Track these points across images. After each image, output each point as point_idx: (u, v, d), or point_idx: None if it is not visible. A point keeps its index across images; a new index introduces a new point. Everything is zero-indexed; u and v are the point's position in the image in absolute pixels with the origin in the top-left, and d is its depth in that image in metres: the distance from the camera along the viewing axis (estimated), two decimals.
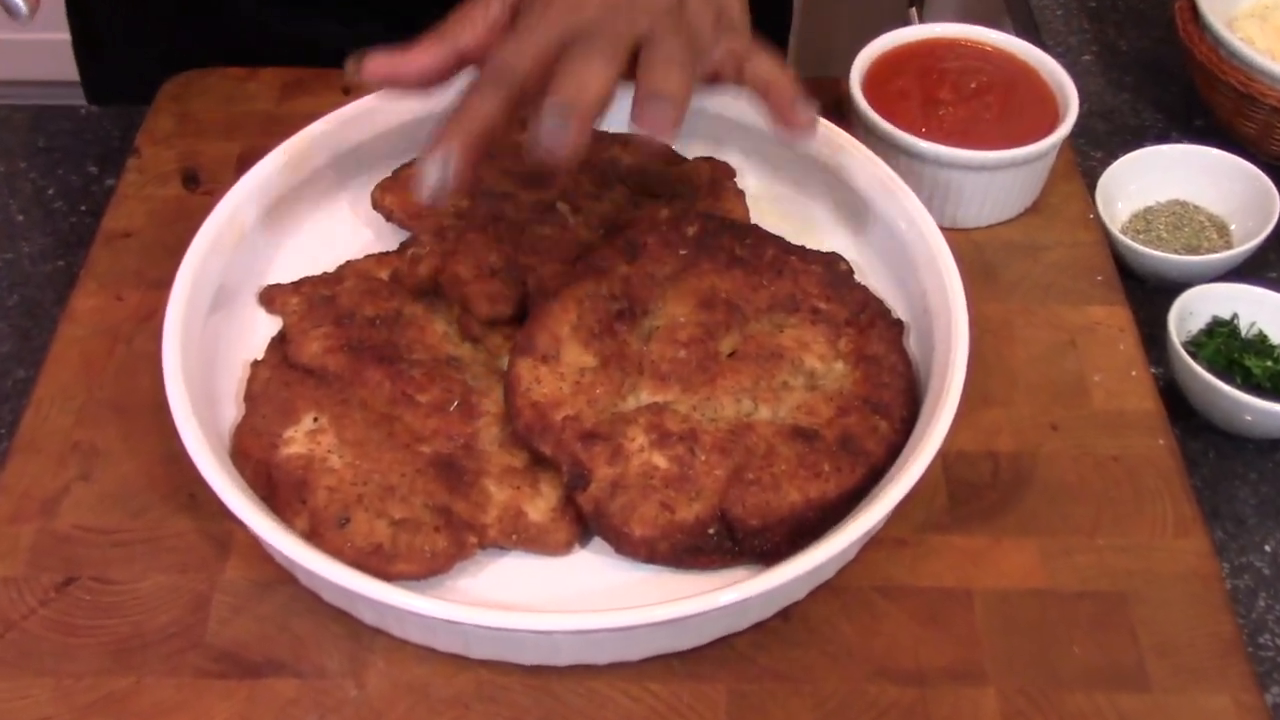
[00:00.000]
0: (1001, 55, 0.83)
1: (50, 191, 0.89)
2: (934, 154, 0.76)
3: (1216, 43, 0.90)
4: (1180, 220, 0.85)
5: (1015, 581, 0.62)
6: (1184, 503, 0.66)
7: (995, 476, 0.67)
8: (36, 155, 0.91)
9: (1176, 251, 0.83)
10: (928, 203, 0.72)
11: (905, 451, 0.62)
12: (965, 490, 0.66)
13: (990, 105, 0.80)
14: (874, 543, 0.63)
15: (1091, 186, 0.84)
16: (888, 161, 0.74)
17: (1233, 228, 0.85)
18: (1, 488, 0.65)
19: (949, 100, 0.80)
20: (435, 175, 0.59)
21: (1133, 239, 0.83)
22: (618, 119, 0.80)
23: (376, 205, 0.75)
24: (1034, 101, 0.80)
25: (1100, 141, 0.94)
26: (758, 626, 0.60)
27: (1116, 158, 0.87)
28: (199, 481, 0.61)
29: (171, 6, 0.97)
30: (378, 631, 0.60)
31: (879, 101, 0.79)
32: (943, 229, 0.70)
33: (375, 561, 0.58)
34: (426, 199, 0.59)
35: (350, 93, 0.85)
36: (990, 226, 0.80)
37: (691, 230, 0.70)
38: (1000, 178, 0.77)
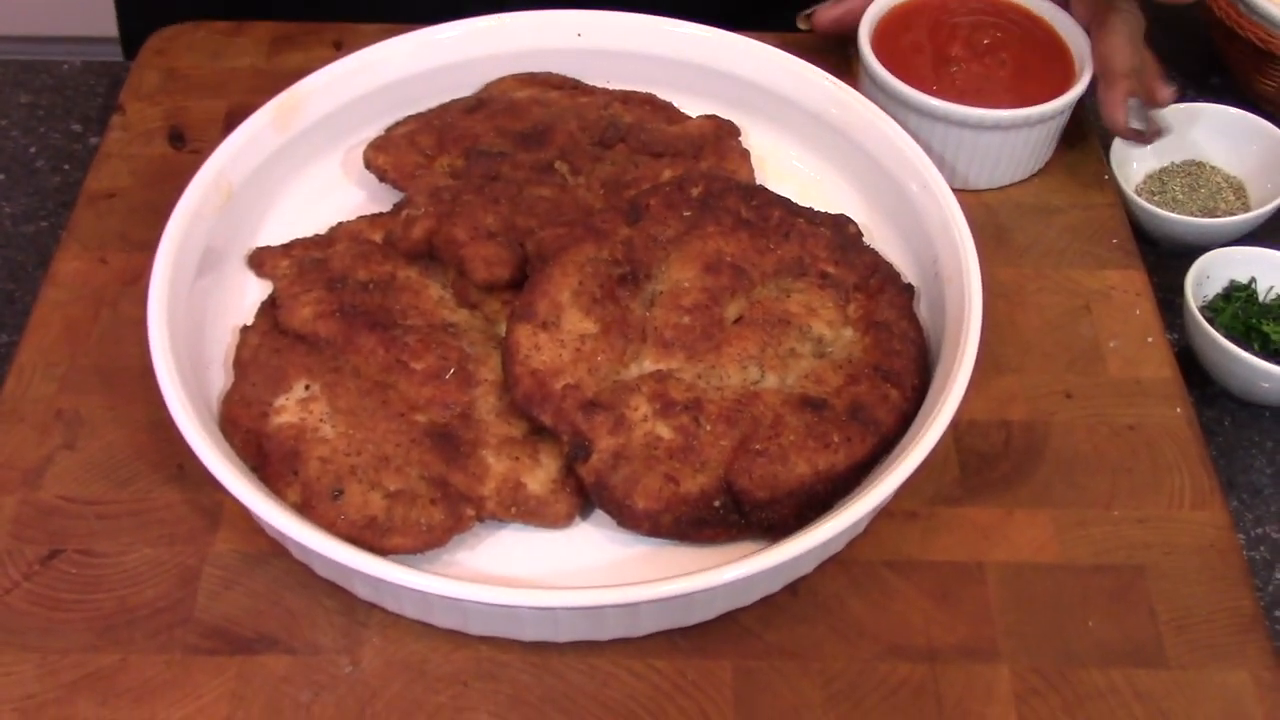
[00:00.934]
0: (1016, 10, 0.80)
1: (32, 150, 0.86)
2: (945, 112, 0.74)
3: None
4: (1196, 181, 0.83)
5: (1029, 555, 0.61)
6: (1202, 474, 0.64)
7: (1008, 446, 0.65)
8: (18, 112, 0.88)
9: (1192, 214, 0.81)
10: (938, 163, 0.70)
11: (917, 421, 0.60)
12: (977, 461, 0.64)
13: (1004, 63, 0.77)
14: (884, 515, 0.62)
15: (1106, 147, 0.82)
16: (896, 120, 0.72)
17: (1250, 189, 0.83)
18: None
19: (961, 57, 0.77)
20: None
21: (1147, 200, 0.81)
22: (620, 76, 0.78)
23: (369, 165, 0.73)
24: (1048, 59, 0.78)
25: None
26: (765, 602, 0.59)
27: None
28: (187, 451, 0.60)
29: None
30: (373, 606, 0.58)
31: (888, 58, 0.76)
32: (953, 190, 0.68)
33: (369, 535, 0.57)
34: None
35: (342, 48, 0.83)
36: (1002, 188, 0.77)
37: (695, 191, 0.68)
38: (1013, 137, 0.75)
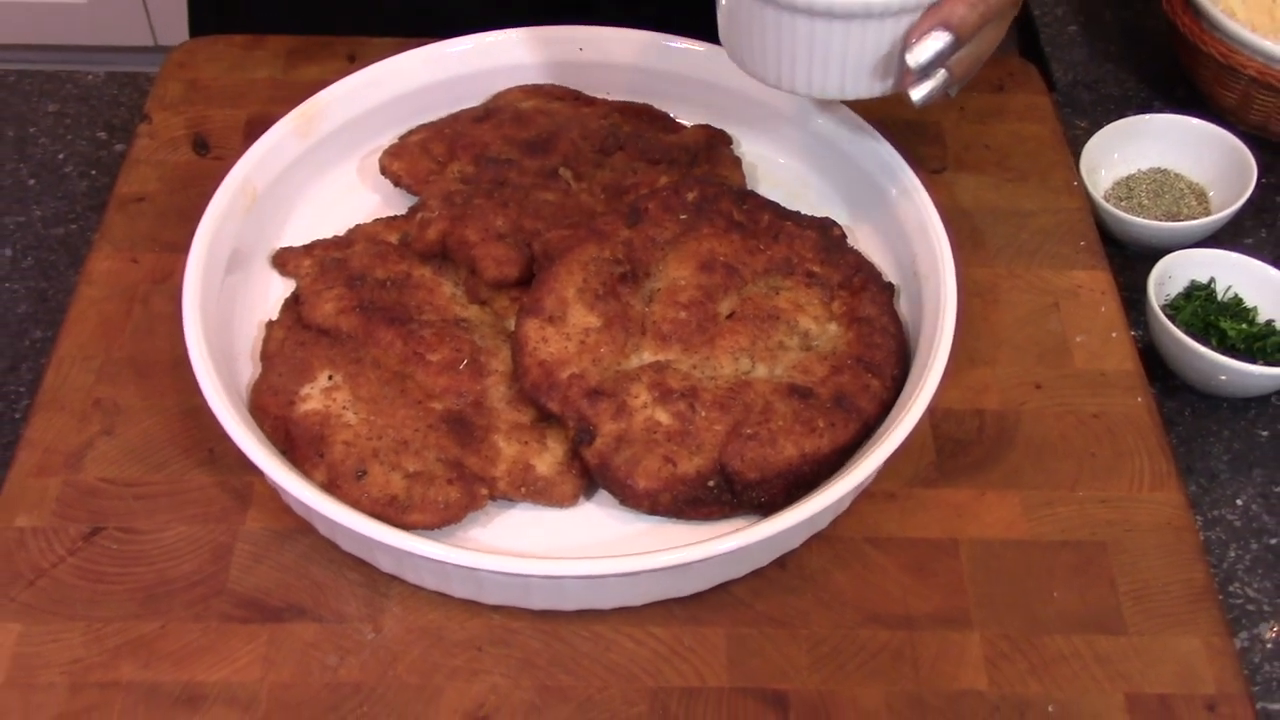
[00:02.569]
0: None
1: (60, 156, 0.91)
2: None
3: (1199, 14, 0.92)
4: (1161, 188, 0.88)
5: (999, 532, 0.66)
6: (1160, 458, 0.69)
7: (981, 433, 0.70)
8: (46, 120, 0.93)
9: (1157, 218, 0.86)
10: (763, 56, 0.66)
11: (896, 408, 0.65)
12: (952, 446, 0.69)
13: None
14: (865, 496, 0.66)
15: (1076, 154, 0.87)
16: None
17: (1211, 195, 0.88)
18: (27, 442, 0.68)
19: None
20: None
21: (1115, 206, 0.86)
22: (619, 88, 0.83)
23: (385, 171, 0.77)
24: None
25: (1085, 110, 0.96)
26: (755, 574, 0.63)
27: (1101, 127, 0.89)
28: (218, 437, 0.64)
29: None
30: (393, 578, 0.63)
31: None
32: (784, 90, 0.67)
33: (391, 512, 0.61)
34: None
35: (355, 60, 0.87)
36: (1012, 185, 0.78)
37: (691, 196, 0.73)
38: (836, 30, 0.64)
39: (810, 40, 0.64)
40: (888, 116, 0.81)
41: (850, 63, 0.65)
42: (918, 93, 0.64)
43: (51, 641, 0.61)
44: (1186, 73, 0.96)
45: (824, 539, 0.65)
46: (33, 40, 2.25)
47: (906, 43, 0.63)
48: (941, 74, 0.64)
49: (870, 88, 0.66)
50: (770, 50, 0.66)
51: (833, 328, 0.69)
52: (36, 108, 0.94)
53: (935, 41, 0.62)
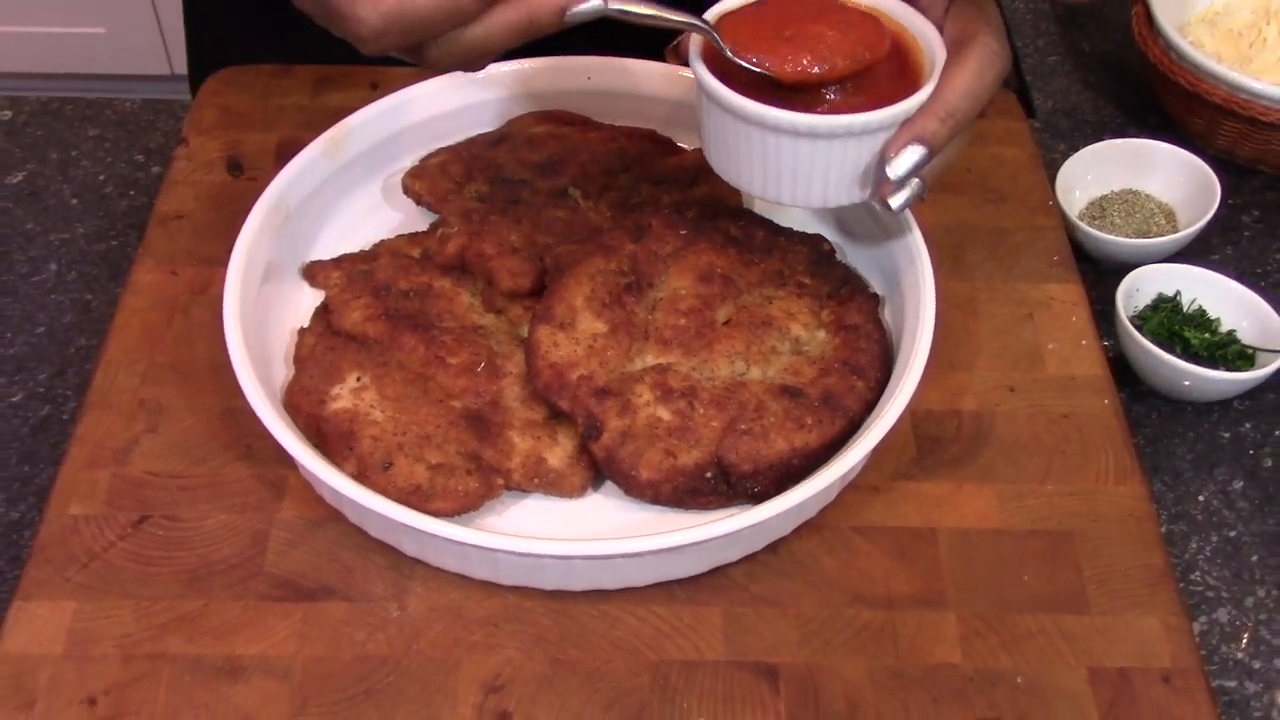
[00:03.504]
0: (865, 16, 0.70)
1: (101, 177, 0.97)
2: (740, 109, 0.67)
3: (1168, 46, 0.98)
4: (1132, 207, 0.94)
5: (974, 522, 0.71)
6: (1124, 454, 0.74)
7: (959, 432, 0.75)
8: (88, 144, 0.99)
9: (1128, 236, 0.92)
10: (748, 166, 0.69)
11: (878, 407, 0.70)
12: (932, 444, 0.74)
13: (848, 80, 0.68)
14: (851, 488, 0.72)
15: (1053, 176, 0.92)
16: (710, 114, 0.69)
17: (1179, 214, 0.94)
18: (78, 438, 0.73)
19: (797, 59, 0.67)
20: None
21: (1089, 224, 0.91)
22: (625, 115, 0.89)
23: (407, 190, 0.83)
24: (899, 76, 0.69)
25: (1063, 135, 1.02)
26: (749, 559, 0.69)
27: (1078, 150, 0.95)
28: (255, 434, 0.70)
29: None
30: (417, 561, 0.68)
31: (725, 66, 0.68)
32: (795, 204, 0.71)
33: (415, 500, 0.67)
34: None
35: (377, 88, 0.93)
36: (991, 206, 0.83)
37: (691, 213, 0.78)
38: (838, 148, 0.68)
39: (795, 157, 0.68)
40: None
41: (832, 176, 0.69)
42: (895, 200, 0.69)
43: (104, 618, 0.66)
44: (1158, 100, 1.02)
45: (813, 527, 0.70)
46: (55, 69, 2.32)
47: (885, 156, 0.67)
48: (916, 182, 0.68)
49: (850, 196, 0.71)
50: (756, 165, 0.70)
51: (821, 334, 0.75)
52: (79, 132, 1.00)
53: (911, 155, 0.67)
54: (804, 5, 0.69)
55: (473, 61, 0.65)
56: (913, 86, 0.68)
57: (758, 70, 0.66)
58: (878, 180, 0.69)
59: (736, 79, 0.68)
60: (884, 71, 0.69)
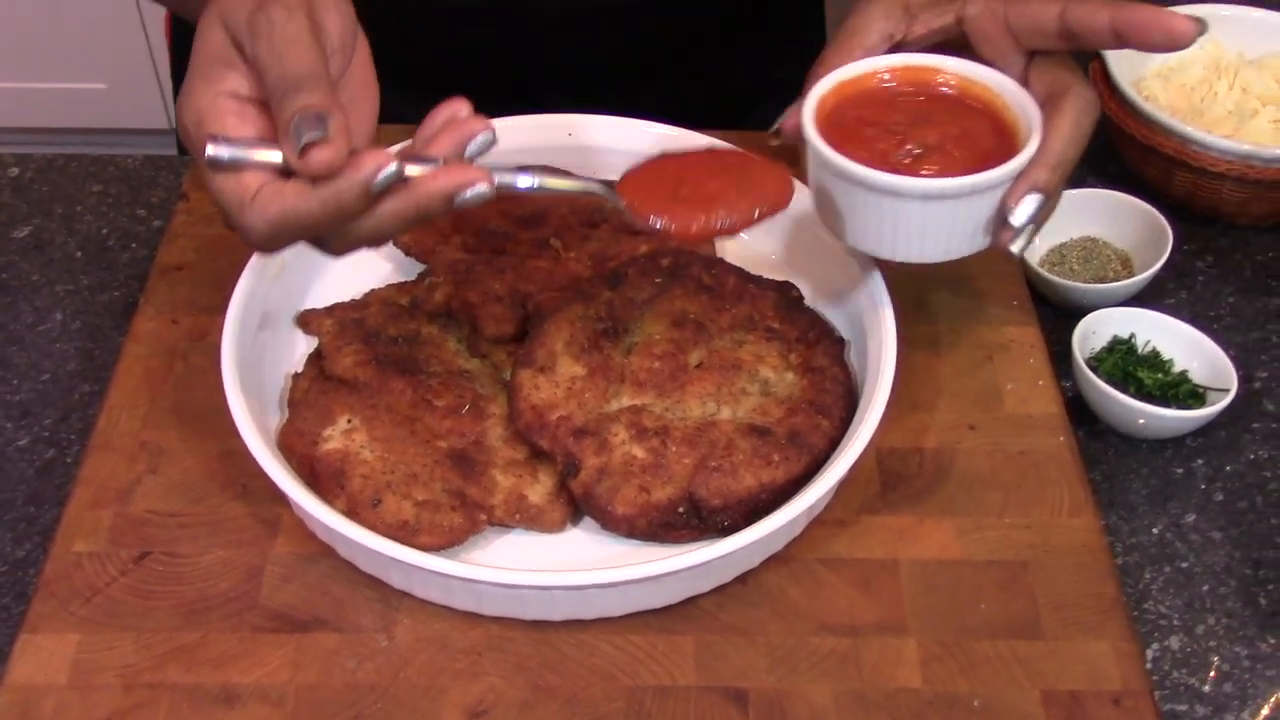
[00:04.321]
0: (963, 89, 0.78)
1: (104, 231, 1.01)
2: (883, 184, 0.72)
3: (1124, 100, 1.03)
4: (1090, 254, 0.98)
5: (935, 553, 0.75)
6: (1078, 489, 0.78)
7: (921, 468, 0.79)
8: (91, 199, 1.03)
9: (1086, 281, 0.96)
10: (879, 235, 0.75)
11: (842, 444, 0.74)
12: (895, 479, 0.78)
13: (947, 142, 0.75)
14: (817, 522, 0.76)
15: None
16: (837, 193, 0.75)
17: (1134, 260, 0.98)
18: (83, 479, 0.77)
19: (903, 132, 0.76)
20: None
21: (1049, 271, 0.96)
22: (604, 168, 0.93)
23: (396, 242, 0.87)
24: (994, 136, 0.75)
25: None
26: (720, 590, 0.72)
27: None
28: (250, 474, 0.74)
29: None
30: (404, 594, 0.72)
31: (835, 134, 0.75)
32: (889, 261, 0.77)
33: (403, 535, 0.70)
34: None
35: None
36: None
37: (665, 262, 0.83)
38: (950, 208, 0.73)
39: (924, 219, 0.74)
40: None
41: (956, 231, 0.75)
42: (1016, 246, 0.74)
43: (106, 649, 0.70)
44: (1117, 152, 1.07)
45: (781, 559, 0.74)
46: (58, 124, 2.38)
47: (1006, 206, 0.73)
48: (1031, 226, 0.74)
49: (971, 247, 0.76)
50: (886, 229, 0.75)
51: (789, 376, 0.79)
52: (83, 188, 1.04)
53: (1030, 203, 0.72)
54: (703, 160, 0.74)
55: (372, 245, 0.67)
56: (1006, 140, 0.74)
57: (658, 229, 0.71)
58: (997, 229, 0.74)
59: (844, 146, 0.73)
60: (979, 129, 0.76)
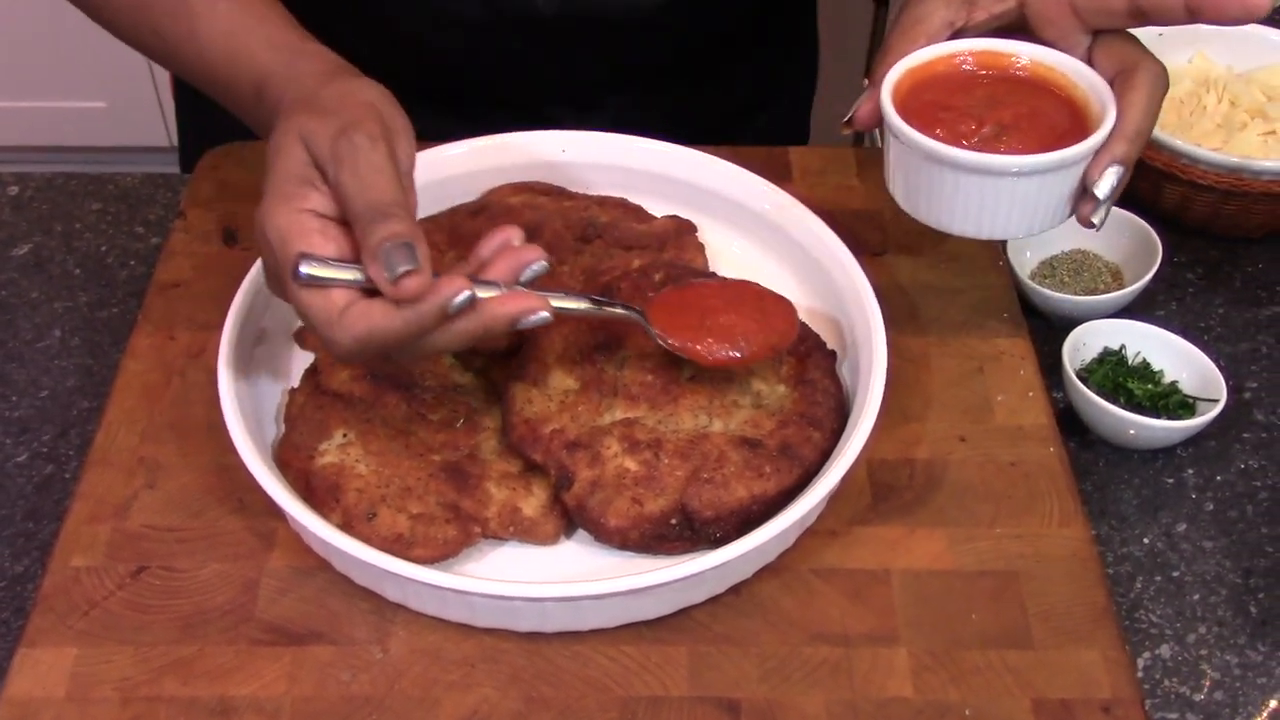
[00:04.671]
0: (1033, 70, 0.80)
1: (103, 249, 1.02)
2: (968, 161, 0.75)
3: None
4: (1080, 267, 0.99)
5: (926, 563, 0.75)
6: (1068, 499, 0.79)
7: (912, 479, 0.79)
8: (90, 217, 1.04)
9: (1076, 293, 0.97)
10: (964, 212, 0.77)
11: (833, 456, 0.75)
12: (886, 490, 0.79)
13: (1021, 120, 0.78)
14: (810, 533, 0.76)
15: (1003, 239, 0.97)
16: (921, 171, 0.77)
17: (1125, 272, 0.99)
18: (81, 494, 0.78)
19: (977, 115, 0.78)
20: None
21: (1040, 283, 0.97)
22: (598, 184, 0.94)
23: None
24: (1066, 115, 0.78)
25: None
26: (713, 600, 0.73)
27: None
28: (247, 488, 0.74)
29: None
30: (399, 607, 0.72)
31: (912, 116, 0.77)
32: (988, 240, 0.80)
33: (397, 548, 0.71)
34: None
35: None
36: (945, 266, 0.89)
37: (658, 277, 0.83)
38: (1033, 184, 0.76)
39: (1011, 195, 0.76)
40: (837, 208, 0.92)
41: (1041, 205, 0.77)
42: (1097, 217, 0.76)
43: (104, 663, 0.70)
44: None
45: (773, 570, 0.74)
46: (57, 143, 2.39)
47: (1089, 179, 0.75)
48: (1110, 199, 0.76)
49: (1054, 220, 0.79)
50: (973, 207, 0.77)
51: (781, 389, 0.79)
52: (81, 206, 1.05)
53: (1112, 175, 0.75)
54: (724, 292, 0.79)
55: (434, 357, 0.70)
56: (1077, 117, 0.77)
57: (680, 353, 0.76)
58: (1078, 202, 0.77)
59: (923, 130, 0.76)
60: (1049, 108, 0.78)
